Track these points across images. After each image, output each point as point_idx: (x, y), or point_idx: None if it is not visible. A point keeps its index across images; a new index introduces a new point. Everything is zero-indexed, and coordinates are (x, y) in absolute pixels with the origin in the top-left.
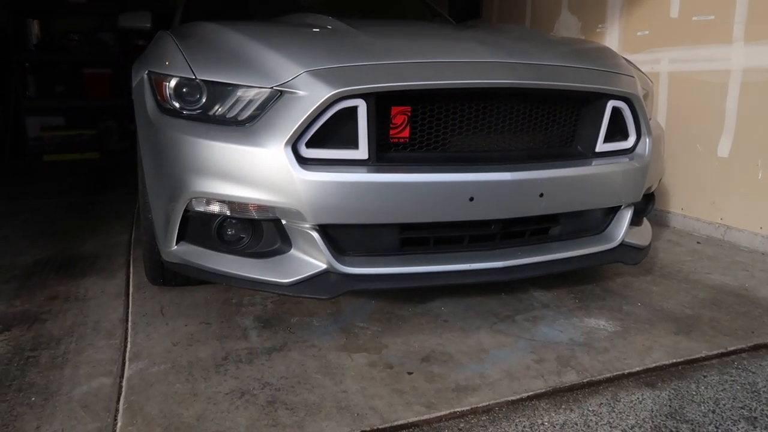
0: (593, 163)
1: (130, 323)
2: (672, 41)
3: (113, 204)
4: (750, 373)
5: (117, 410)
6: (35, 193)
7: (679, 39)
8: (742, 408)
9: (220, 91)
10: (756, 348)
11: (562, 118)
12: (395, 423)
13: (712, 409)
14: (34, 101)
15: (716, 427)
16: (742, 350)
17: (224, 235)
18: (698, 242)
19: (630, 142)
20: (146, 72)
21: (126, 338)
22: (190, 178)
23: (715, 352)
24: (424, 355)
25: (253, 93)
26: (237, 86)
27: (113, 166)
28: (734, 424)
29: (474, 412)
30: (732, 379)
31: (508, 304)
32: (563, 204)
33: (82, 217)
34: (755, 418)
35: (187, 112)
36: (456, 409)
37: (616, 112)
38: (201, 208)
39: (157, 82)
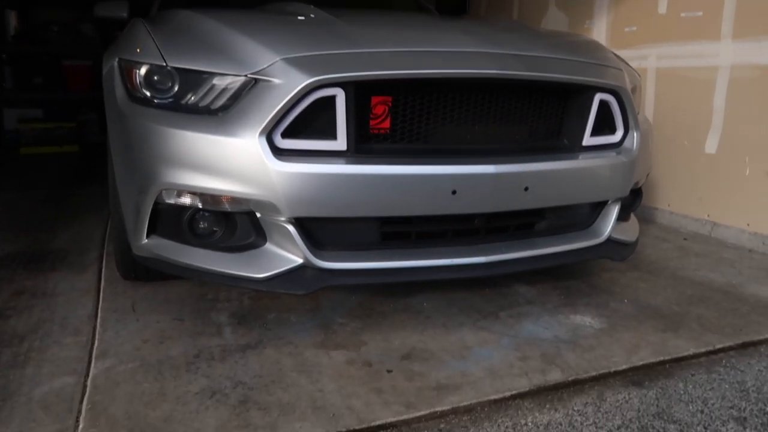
0: (580, 157)
1: (99, 320)
2: (660, 37)
3: (90, 197)
4: (739, 372)
5: (80, 411)
6: (10, 186)
7: (667, 35)
8: (731, 408)
9: (193, 79)
10: (744, 346)
11: (549, 111)
12: (372, 423)
13: (700, 408)
14: (11, 93)
15: (705, 428)
16: (730, 348)
17: (196, 229)
18: (685, 239)
19: (617, 136)
20: (116, 59)
21: (94, 335)
22: (160, 169)
23: (702, 350)
24: (405, 352)
25: (226, 81)
26: (210, 74)
27: (92, 159)
28: (723, 425)
29: (455, 411)
30: (720, 377)
31: (492, 300)
32: (549, 198)
33: (57, 211)
34: (744, 418)
35: (158, 101)
36: (436, 409)
37: (604, 106)
38: (172, 201)
39: (127, 69)
